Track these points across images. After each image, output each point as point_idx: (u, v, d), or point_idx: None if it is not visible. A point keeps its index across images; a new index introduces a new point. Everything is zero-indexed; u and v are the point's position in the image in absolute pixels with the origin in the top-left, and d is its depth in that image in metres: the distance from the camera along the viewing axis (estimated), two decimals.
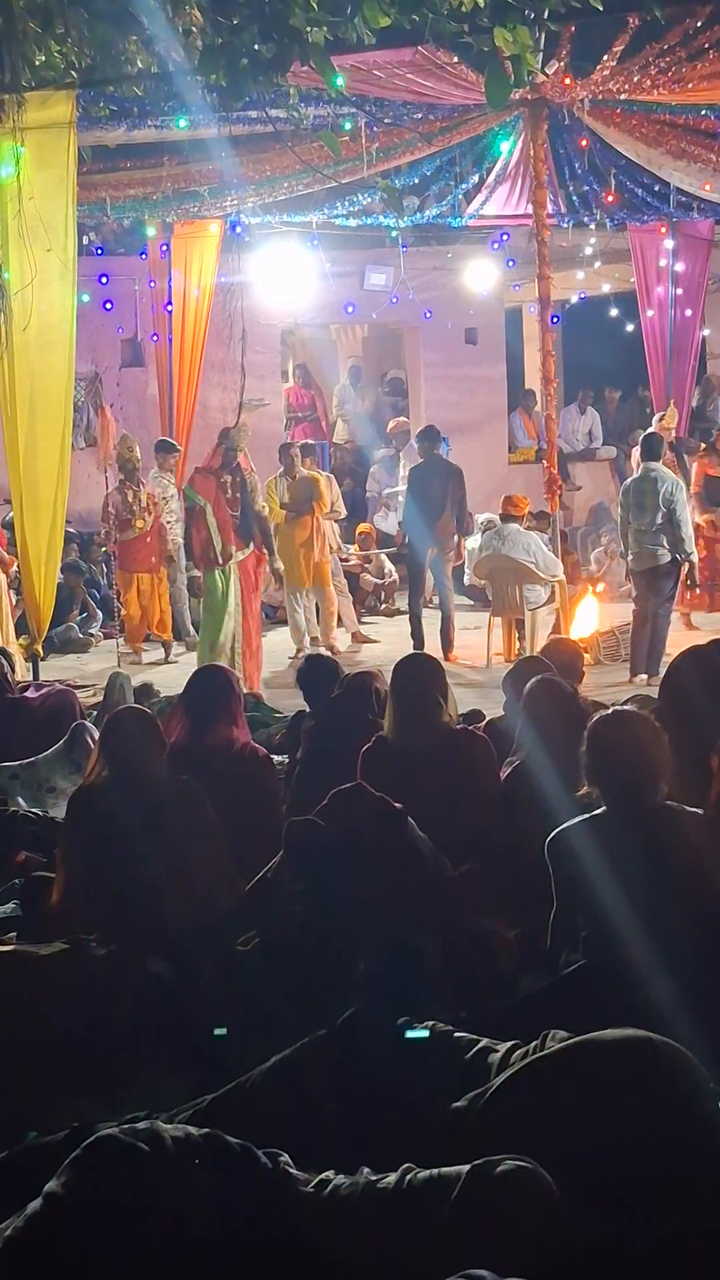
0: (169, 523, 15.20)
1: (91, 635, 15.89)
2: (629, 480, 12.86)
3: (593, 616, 13.53)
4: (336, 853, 5.05)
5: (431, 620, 13.83)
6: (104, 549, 15.78)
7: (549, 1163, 3.11)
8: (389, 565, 17.46)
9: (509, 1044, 3.76)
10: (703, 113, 13.01)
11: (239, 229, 16.78)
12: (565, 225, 16.68)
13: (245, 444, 12.79)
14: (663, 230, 17.69)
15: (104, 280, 17.33)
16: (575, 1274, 2.95)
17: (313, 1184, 3.23)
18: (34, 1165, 3.36)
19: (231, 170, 13.27)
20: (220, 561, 12.16)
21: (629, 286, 19.24)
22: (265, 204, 15.43)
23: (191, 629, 15.09)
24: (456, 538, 14.10)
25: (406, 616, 14.22)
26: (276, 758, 7.32)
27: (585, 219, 16.78)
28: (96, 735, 7.08)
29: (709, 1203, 3.10)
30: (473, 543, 14.39)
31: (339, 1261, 3.07)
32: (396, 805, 5.24)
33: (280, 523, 14.21)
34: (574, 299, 20.83)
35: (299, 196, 15.06)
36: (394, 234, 17.73)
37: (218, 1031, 3.83)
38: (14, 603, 13.20)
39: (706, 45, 11.33)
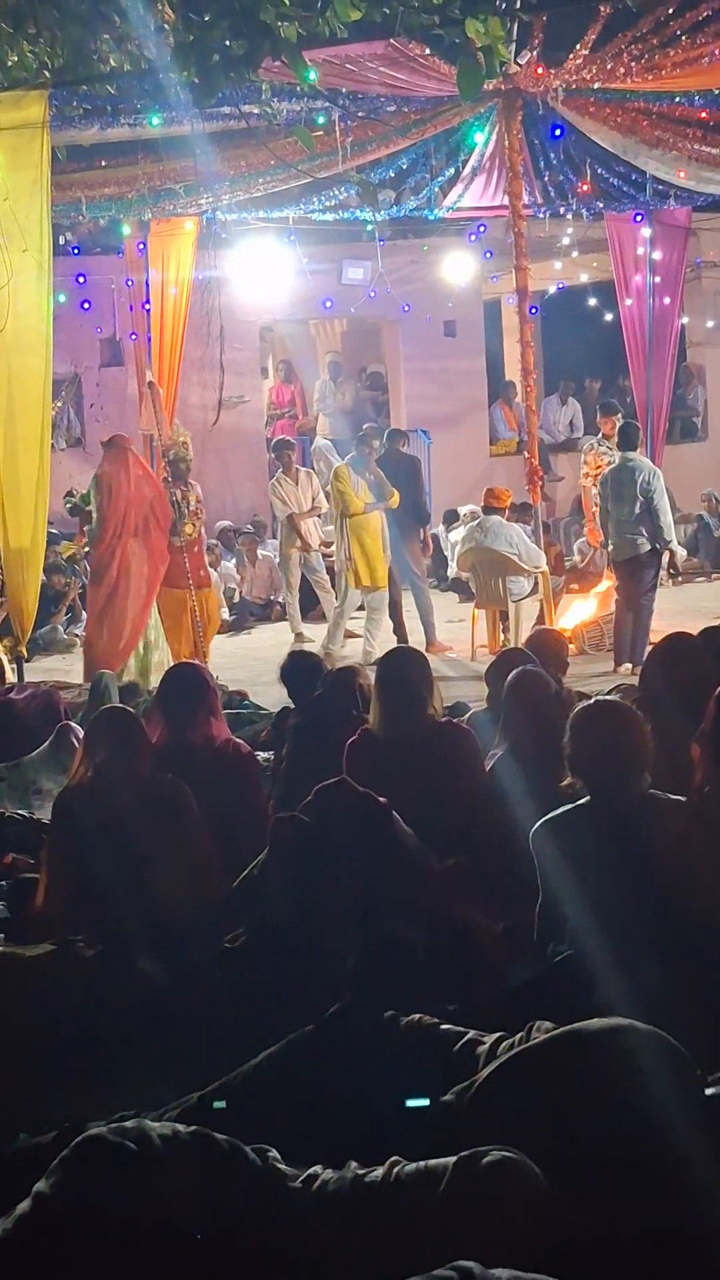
0: None
1: (77, 636, 15.86)
2: (608, 470, 12.88)
3: (582, 610, 13.58)
4: (322, 848, 5.05)
5: (412, 615, 13.83)
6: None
7: (536, 1153, 3.12)
8: None
9: (495, 1036, 3.77)
10: (676, 100, 13.01)
11: (215, 226, 16.75)
12: (542, 216, 16.67)
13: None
14: (639, 219, 17.70)
15: (81, 280, 17.32)
16: (563, 1264, 2.95)
17: (301, 1179, 3.24)
18: (23, 1166, 3.36)
19: (207, 167, 13.25)
20: None
21: (607, 276, 19.24)
22: (241, 200, 15.41)
23: None
24: (421, 529, 14.12)
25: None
26: (262, 754, 7.33)
27: (562, 209, 16.79)
28: (81, 736, 7.08)
29: (696, 1190, 3.11)
30: (455, 535, 14.40)
31: (328, 1256, 3.08)
32: (381, 799, 5.25)
33: (354, 518, 13.37)
34: (552, 289, 20.84)
35: (275, 192, 15.04)
36: (370, 228, 17.73)
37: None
38: None
39: (679, 32, 11.35)
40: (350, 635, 14.35)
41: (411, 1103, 3.55)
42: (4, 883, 6.25)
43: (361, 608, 13.71)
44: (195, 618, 12.85)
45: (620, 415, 15.10)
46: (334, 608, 14.00)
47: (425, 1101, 3.53)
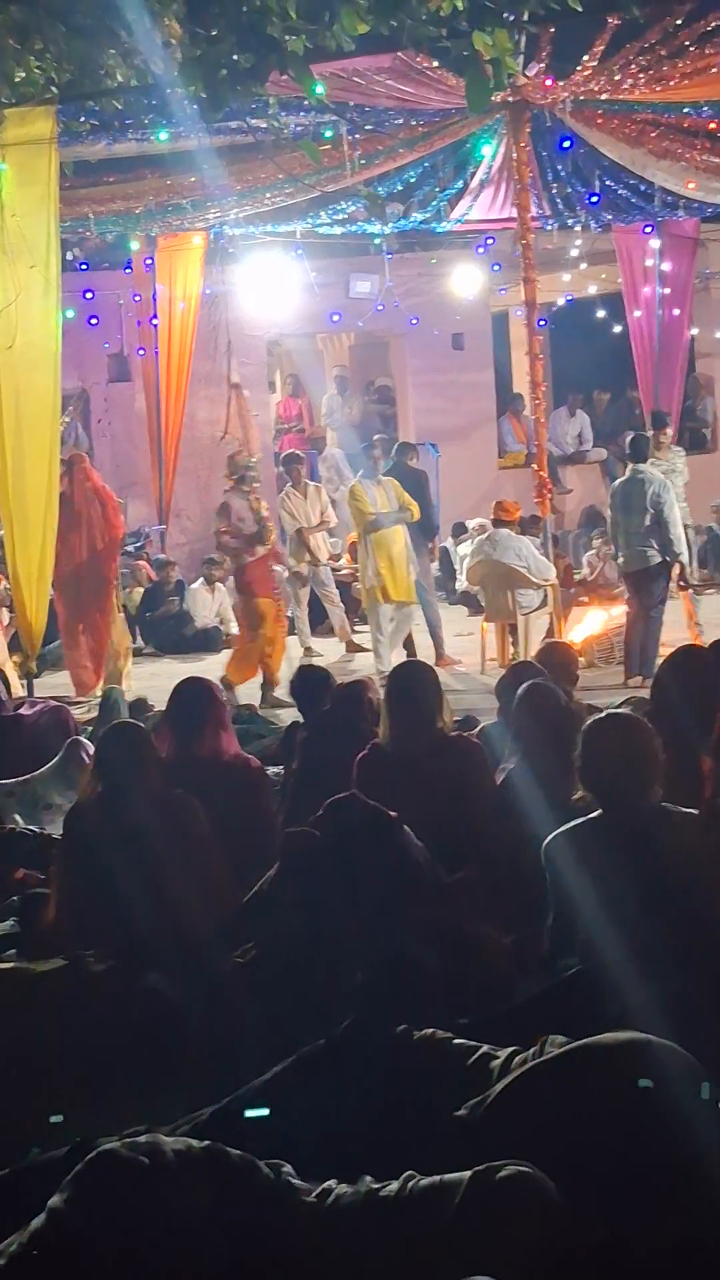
0: None
1: None
2: (617, 482, 12.89)
3: (593, 622, 13.56)
4: (332, 862, 5.04)
5: (421, 629, 13.80)
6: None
7: (551, 1168, 3.10)
8: None
9: (509, 1050, 3.75)
10: (684, 111, 13.04)
11: (222, 240, 16.79)
12: (550, 228, 16.69)
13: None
14: (647, 230, 17.72)
15: (89, 296, 17.35)
16: (578, 1279, 2.94)
17: (315, 1194, 3.22)
18: (37, 1181, 3.35)
19: (214, 182, 13.29)
20: None
21: (615, 288, 19.26)
22: (248, 215, 15.44)
23: None
24: (430, 542, 14.11)
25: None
26: (271, 769, 7.31)
27: (570, 221, 16.80)
28: (91, 751, 7.07)
29: (711, 1205, 3.09)
30: (464, 549, 14.38)
31: (342, 1271, 3.06)
32: (391, 813, 5.23)
33: (377, 533, 13.11)
34: (560, 301, 20.85)
35: (282, 206, 15.07)
36: (378, 241, 17.75)
37: (253, 1112, 3.67)
38: (7, 621, 13.21)
39: (686, 43, 11.36)
40: (357, 649, 14.35)
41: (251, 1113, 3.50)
42: (14, 898, 6.24)
43: (362, 619, 13.68)
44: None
45: (669, 425, 15.11)
46: (372, 631, 13.54)
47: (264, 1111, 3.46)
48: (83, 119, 11.05)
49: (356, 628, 15.81)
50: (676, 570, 12.40)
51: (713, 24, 11.11)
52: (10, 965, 5.06)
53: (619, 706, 7.26)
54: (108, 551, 13.06)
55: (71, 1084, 4.36)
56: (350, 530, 18.14)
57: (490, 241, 18.29)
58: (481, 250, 18.79)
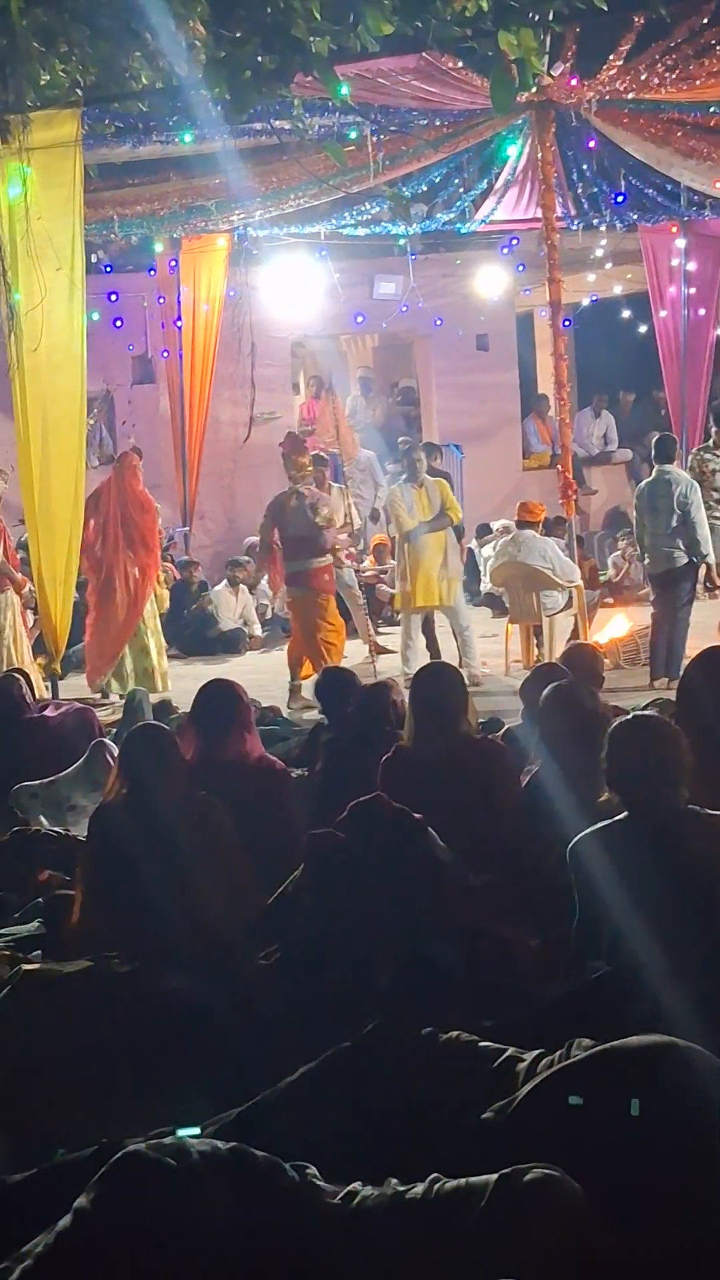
0: None
1: None
2: (643, 483, 12.84)
3: (618, 624, 13.53)
4: (357, 864, 5.03)
5: (446, 631, 13.78)
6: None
7: (577, 1171, 3.09)
8: None
9: (535, 1053, 3.74)
10: (711, 110, 12.98)
11: (246, 242, 16.80)
12: (575, 228, 16.65)
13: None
14: (674, 229, 17.67)
15: (113, 298, 17.39)
16: None
17: (340, 1196, 3.21)
18: (62, 1182, 3.35)
19: (238, 183, 13.29)
20: None
21: (641, 288, 19.22)
22: (273, 216, 15.46)
23: None
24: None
25: None
26: (295, 771, 7.31)
27: (595, 221, 16.77)
28: (116, 753, 7.08)
29: None
30: (488, 550, 14.34)
31: (367, 1274, 3.05)
32: (416, 815, 5.22)
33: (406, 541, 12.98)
34: (585, 302, 20.82)
35: (306, 208, 15.08)
36: (402, 242, 17.73)
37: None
38: (31, 623, 13.25)
39: (713, 41, 11.32)
40: (383, 651, 14.33)
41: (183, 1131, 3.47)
42: (40, 899, 6.25)
43: (395, 623, 13.60)
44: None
45: None
46: (401, 635, 13.44)
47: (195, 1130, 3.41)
48: (107, 121, 11.07)
49: (381, 630, 15.80)
50: (703, 571, 12.36)
51: None
52: (36, 966, 5.06)
53: (645, 708, 7.24)
54: (141, 552, 13.19)
55: (97, 1085, 4.37)
56: (377, 532, 18.21)
57: (515, 242, 18.26)
58: (506, 251, 18.76)
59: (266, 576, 14.67)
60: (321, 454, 17.03)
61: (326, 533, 12.79)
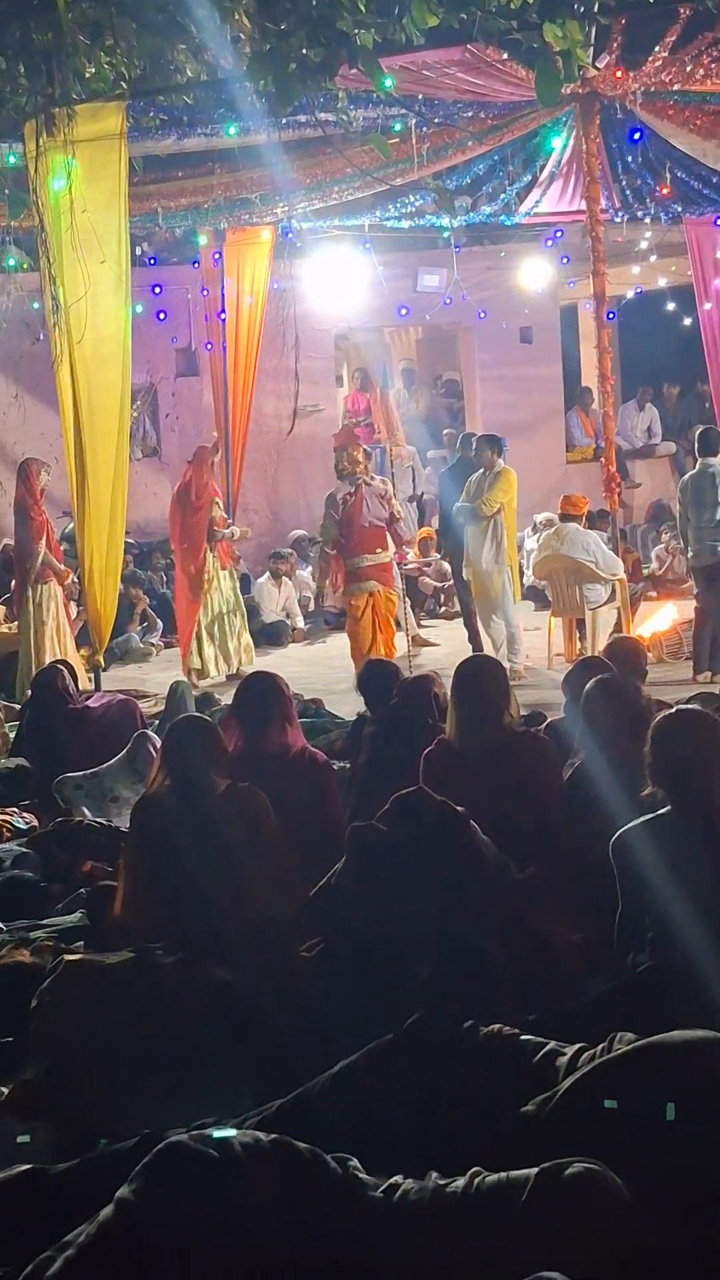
0: None
1: (152, 645, 15.99)
2: (687, 476, 12.78)
3: (661, 617, 13.48)
4: (399, 857, 5.03)
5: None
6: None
7: (619, 1165, 3.09)
8: (448, 568, 17.41)
9: (576, 1047, 3.73)
10: None
11: (290, 235, 16.80)
12: (619, 220, 16.56)
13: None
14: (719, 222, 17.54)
15: (157, 290, 17.44)
16: (646, 1277, 2.92)
17: (382, 1189, 3.22)
18: (105, 1172, 3.37)
19: (282, 176, 13.29)
20: None
21: (686, 280, 19.10)
22: (317, 209, 15.45)
23: None
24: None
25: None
26: (337, 763, 7.32)
27: (639, 213, 16.68)
28: (158, 744, 7.10)
29: None
30: (532, 543, 14.30)
31: (409, 1265, 3.06)
32: (459, 808, 5.22)
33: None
34: (630, 294, 20.74)
35: (350, 200, 15.06)
36: (446, 235, 17.68)
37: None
38: (75, 614, 13.31)
39: None
40: (425, 644, 14.31)
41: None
42: (83, 890, 6.28)
43: (437, 616, 13.58)
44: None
45: None
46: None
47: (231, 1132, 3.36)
48: (152, 114, 11.07)
49: (423, 622, 15.78)
50: None
51: None
52: (80, 957, 5.09)
53: (688, 702, 7.22)
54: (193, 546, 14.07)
55: (140, 1076, 4.39)
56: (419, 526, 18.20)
57: (559, 234, 18.19)
58: (550, 243, 18.70)
59: (320, 573, 14.65)
60: (366, 448, 17.03)
61: (398, 525, 12.72)
